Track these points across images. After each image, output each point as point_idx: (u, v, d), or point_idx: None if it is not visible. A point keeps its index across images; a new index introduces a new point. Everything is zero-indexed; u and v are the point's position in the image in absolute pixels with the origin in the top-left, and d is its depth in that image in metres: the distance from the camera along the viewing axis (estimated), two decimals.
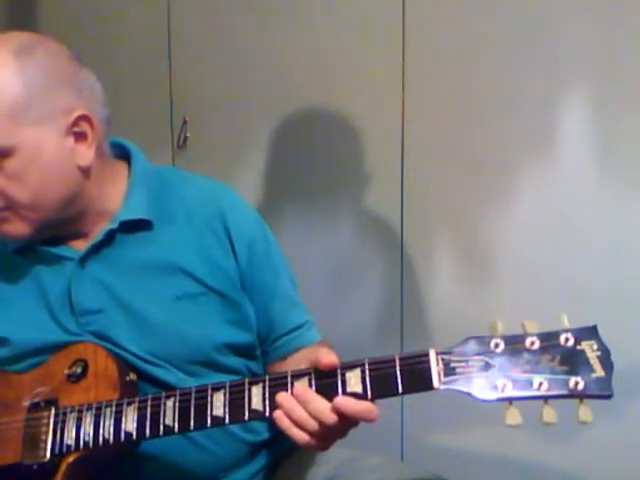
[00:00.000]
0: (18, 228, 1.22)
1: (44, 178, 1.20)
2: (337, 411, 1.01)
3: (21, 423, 1.19)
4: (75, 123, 1.22)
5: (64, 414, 1.17)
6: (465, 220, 1.96)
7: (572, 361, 0.98)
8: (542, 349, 0.99)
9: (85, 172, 1.24)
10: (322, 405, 1.02)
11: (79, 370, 1.20)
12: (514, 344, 1.00)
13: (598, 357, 0.98)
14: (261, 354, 1.37)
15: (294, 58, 2.13)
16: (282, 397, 1.05)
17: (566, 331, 1.00)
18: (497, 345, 1.00)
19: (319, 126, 2.10)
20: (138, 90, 2.46)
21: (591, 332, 1.00)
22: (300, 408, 1.03)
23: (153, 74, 2.43)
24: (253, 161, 2.18)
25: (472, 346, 1.01)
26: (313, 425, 1.03)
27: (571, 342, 0.99)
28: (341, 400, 1.01)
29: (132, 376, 1.21)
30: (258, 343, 1.35)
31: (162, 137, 2.37)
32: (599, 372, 0.97)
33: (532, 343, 1.00)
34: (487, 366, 1.00)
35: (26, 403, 1.21)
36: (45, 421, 1.18)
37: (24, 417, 1.20)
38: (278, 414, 1.04)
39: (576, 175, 1.83)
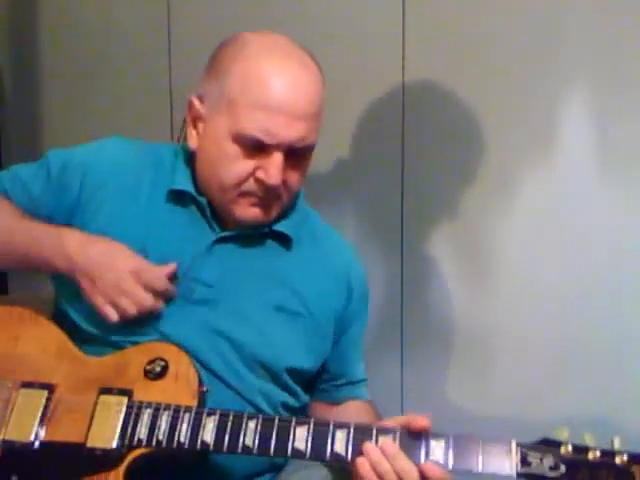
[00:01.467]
0: (273, 213, 1.34)
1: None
2: (424, 475, 1.12)
3: (90, 405, 1.21)
4: None
5: (139, 407, 1.20)
6: (465, 221, 2.01)
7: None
8: (601, 463, 1.15)
9: None
10: (409, 465, 1.13)
11: (158, 369, 1.23)
12: (580, 453, 1.15)
13: None
14: (319, 390, 1.45)
15: None
16: (369, 447, 1.14)
17: (622, 453, 1.16)
18: (567, 451, 1.15)
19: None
20: (138, 90, 2.45)
21: None
22: (386, 462, 1.13)
23: (153, 74, 2.42)
24: None
25: (547, 446, 1.15)
26: None
27: (625, 464, 1.15)
28: (431, 467, 1.12)
29: (207, 387, 1.25)
30: (319, 378, 1.44)
31: (162, 137, 2.37)
32: None
33: (594, 456, 1.15)
34: (556, 467, 1.14)
35: (96, 386, 1.23)
36: (117, 409, 1.20)
37: (94, 400, 1.22)
38: (361, 461, 1.13)
39: (577, 176, 1.89)
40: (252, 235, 1.36)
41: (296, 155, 1.29)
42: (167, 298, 1.30)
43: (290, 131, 1.26)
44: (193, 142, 1.34)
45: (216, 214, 1.35)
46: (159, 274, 1.28)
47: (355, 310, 1.43)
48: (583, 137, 1.87)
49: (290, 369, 1.35)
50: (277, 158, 1.26)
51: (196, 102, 1.33)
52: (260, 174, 1.28)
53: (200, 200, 1.35)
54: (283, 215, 1.37)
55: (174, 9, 2.32)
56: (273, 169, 1.26)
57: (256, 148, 1.27)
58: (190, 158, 1.37)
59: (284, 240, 1.38)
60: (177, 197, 1.35)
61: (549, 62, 1.88)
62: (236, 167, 1.28)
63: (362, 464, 1.13)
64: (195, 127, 1.34)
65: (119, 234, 1.31)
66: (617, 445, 1.17)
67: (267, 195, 1.30)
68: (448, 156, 2.01)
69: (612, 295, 1.86)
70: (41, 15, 2.50)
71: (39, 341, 1.29)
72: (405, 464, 1.13)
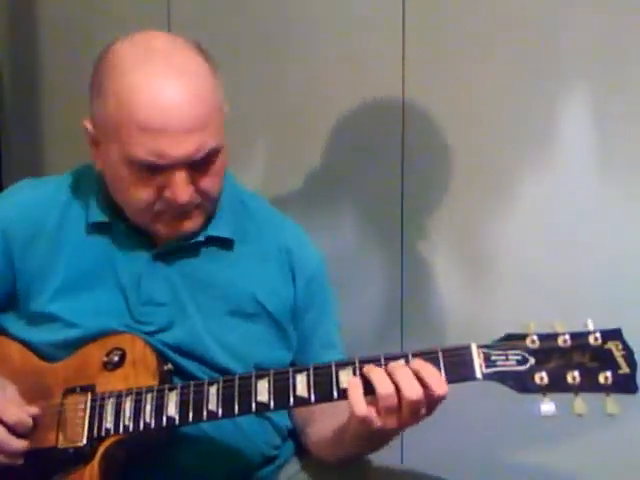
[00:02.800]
0: (198, 221, 1.27)
1: (223, 173, 1.28)
2: (416, 372, 1.07)
3: (56, 408, 1.21)
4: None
5: (102, 399, 1.19)
6: (466, 222, 1.97)
7: (601, 358, 1.07)
8: (573, 347, 1.08)
9: None
10: (406, 370, 1.08)
11: (116, 358, 1.23)
12: (548, 341, 1.09)
13: (623, 356, 1.07)
14: None
15: (293, 59, 2.14)
16: (369, 366, 1.11)
17: (594, 332, 1.09)
18: (533, 342, 1.09)
19: (318, 126, 2.10)
20: None
21: (616, 333, 1.09)
22: (383, 373, 1.09)
23: None
24: (252, 162, 2.18)
25: (510, 342, 1.10)
26: (389, 387, 1.07)
27: (599, 341, 1.08)
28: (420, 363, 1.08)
29: (169, 366, 1.24)
30: None
31: None
32: (624, 369, 1.06)
33: (564, 341, 1.09)
34: (524, 360, 1.08)
35: (61, 389, 1.23)
36: (81, 406, 1.20)
37: (59, 402, 1.22)
38: (354, 383, 1.10)
39: (577, 179, 1.84)
40: (188, 246, 1.31)
41: (201, 163, 1.21)
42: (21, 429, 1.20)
43: (180, 149, 1.18)
44: (98, 164, 1.29)
45: (146, 231, 1.30)
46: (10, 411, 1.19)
47: (304, 296, 1.36)
48: (583, 137, 1.84)
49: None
50: (179, 176, 1.20)
51: (89, 126, 1.26)
52: (167, 193, 1.21)
53: (121, 228, 1.30)
54: (212, 218, 1.31)
55: (174, 9, 2.30)
56: (177, 188, 1.20)
57: (154, 170, 1.19)
58: (100, 179, 1.31)
59: (223, 243, 1.33)
60: (99, 228, 1.30)
61: (549, 62, 1.86)
62: (140, 192, 1.22)
63: (355, 385, 1.09)
64: (98, 149, 1.27)
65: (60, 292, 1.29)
66: (590, 327, 1.11)
67: (183, 210, 1.23)
68: (448, 156, 1.98)
69: (612, 296, 1.81)
70: (41, 15, 2.50)
71: (1, 358, 1.30)
72: (403, 370, 1.08)
